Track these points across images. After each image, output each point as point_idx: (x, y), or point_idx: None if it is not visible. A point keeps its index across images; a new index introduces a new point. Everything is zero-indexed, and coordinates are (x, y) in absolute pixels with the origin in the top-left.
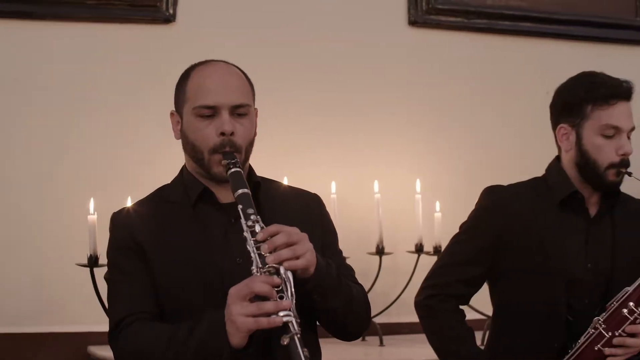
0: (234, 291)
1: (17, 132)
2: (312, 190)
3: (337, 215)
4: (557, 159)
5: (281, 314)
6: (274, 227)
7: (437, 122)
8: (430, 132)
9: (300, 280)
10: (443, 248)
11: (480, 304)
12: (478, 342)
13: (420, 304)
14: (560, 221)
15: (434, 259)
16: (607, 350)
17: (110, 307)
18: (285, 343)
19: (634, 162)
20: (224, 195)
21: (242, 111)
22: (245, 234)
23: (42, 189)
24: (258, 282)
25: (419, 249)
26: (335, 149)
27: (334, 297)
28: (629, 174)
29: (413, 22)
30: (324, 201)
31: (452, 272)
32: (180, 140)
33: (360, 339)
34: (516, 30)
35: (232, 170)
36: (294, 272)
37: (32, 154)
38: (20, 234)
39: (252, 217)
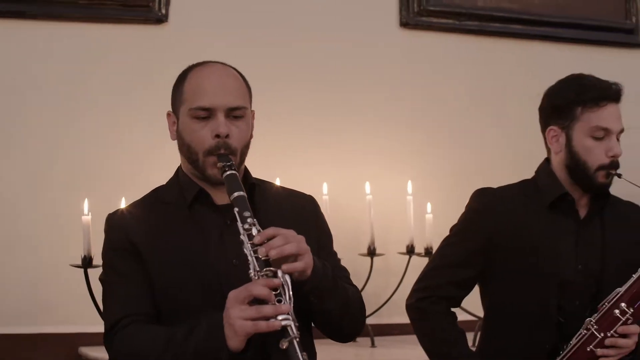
0: (232, 295)
1: (11, 132)
2: (304, 192)
3: (328, 216)
4: (547, 161)
5: (280, 317)
6: (270, 230)
7: (428, 123)
8: (422, 134)
9: (297, 282)
10: (434, 249)
11: (471, 305)
12: (469, 344)
13: (412, 306)
14: (550, 223)
15: (425, 260)
16: (599, 351)
17: (106, 308)
18: (284, 347)
19: (623, 164)
20: (220, 197)
21: (238, 113)
22: (242, 237)
23: (35, 189)
24: (257, 286)
25: (410, 251)
26: (327, 150)
27: (330, 299)
28: (619, 176)
29: (404, 24)
30: None
31: (443, 274)
32: (174, 141)
33: None
34: (507, 32)
35: (228, 172)
36: (290, 275)
37: (26, 154)
38: (13, 234)
39: (249, 220)
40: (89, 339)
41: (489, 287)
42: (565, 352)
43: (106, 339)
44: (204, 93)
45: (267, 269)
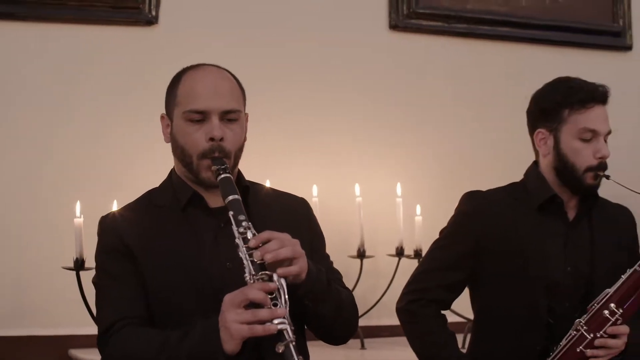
0: (228, 298)
1: (1, 133)
2: (294, 194)
3: (318, 218)
4: (535, 163)
5: (276, 321)
6: (266, 234)
7: (417, 125)
8: (411, 136)
9: (292, 286)
10: (423, 251)
11: (461, 307)
12: (458, 346)
13: (402, 309)
14: (539, 225)
15: (415, 262)
16: (588, 352)
17: (99, 311)
18: (280, 351)
19: (611, 166)
20: (213, 200)
21: (232, 116)
22: (237, 240)
23: (26, 191)
24: (253, 290)
25: (400, 253)
26: (317, 153)
27: (324, 303)
28: (607, 177)
29: (394, 26)
30: None
31: (433, 277)
32: (167, 143)
33: None
34: (495, 35)
35: (222, 176)
36: (285, 279)
37: (17, 156)
38: (3, 236)
39: (244, 223)
40: (79, 341)
41: (479, 290)
42: (555, 354)
43: (100, 342)
44: (198, 96)
45: (263, 272)
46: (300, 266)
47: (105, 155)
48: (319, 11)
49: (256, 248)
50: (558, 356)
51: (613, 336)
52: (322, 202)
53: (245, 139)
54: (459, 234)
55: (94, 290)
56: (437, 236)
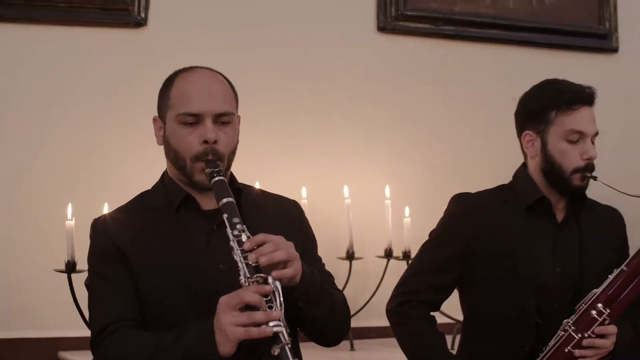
0: (224, 300)
1: None
2: (283, 196)
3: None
4: (524, 165)
5: (271, 324)
6: (260, 237)
7: (406, 127)
8: (400, 138)
9: (286, 289)
10: (412, 253)
11: (449, 308)
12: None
13: (392, 311)
14: (527, 227)
15: (403, 264)
16: (577, 352)
17: (92, 314)
18: (276, 353)
19: (597, 167)
20: (206, 202)
21: (225, 119)
22: (231, 243)
23: (16, 193)
24: (249, 292)
25: (389, 254)
26: (306, 154)
27: (317, 305)
28: (594, 178)
29: (382, 28)
30: None
31: (423, 279)
32: (157, 145)
33: None
34: (483, 37)
35: (216, 178)
36: (280, 281)
37: (6, 158)
38: None
39: (238, 226)
40: (69, 343)
41: (468, 291)
42: (543, 354)
43: (93, 345)
44: (192, 99)
45: (258, 275)
46: (295, 269)
47: (96, 157)
48: (307, 13)
49: (251, 251)
50: (547, 357)
51: (601, 336)
52: (311, 204)
53: (237, 142)
54: (448, 236)
55: (85, 293)
56: (425, 238)
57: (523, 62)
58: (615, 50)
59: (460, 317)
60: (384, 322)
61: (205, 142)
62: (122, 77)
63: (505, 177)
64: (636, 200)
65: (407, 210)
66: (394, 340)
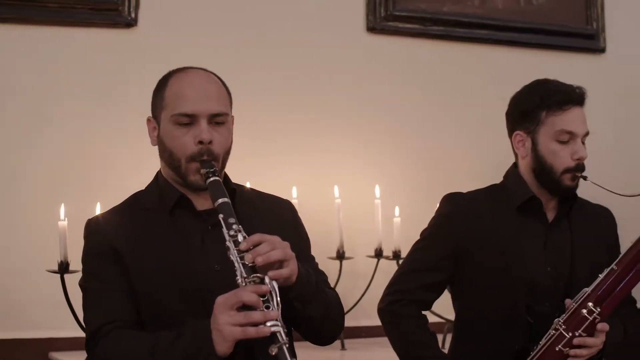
0: (221, 300)
1: None
2: (278, 196)
3: None
4: (515, 165)
5: (268, 323)
6: (256, 237)
7: (395, 127)
8: (389, 138)
9: (282, 288)
10: (402, 253)
11: (440, 308)
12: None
13: (383, 310)
14: (519, 226)
15: (394, 263)
16: (568, 351)
17: (87, 314)
18: (274, 353)
19: (588, 167)
20: (201, 203)
21: (220, 120)
22: (227, 243)
23: (8, 194)
24: (246, 292)
25: (379, 254)
26: (296, 154)
27: (312, 305)
28: (584, 178)
29: (371, 29)
30: None
31: (414, 278)
32: (149, 145)
33: None
34: (472, 38)
35: (211, 179)
36: (277, 281)
37: None
38: None
39: (234, 226)
40: (60, 343)
41: (460, 291)
42: (535, 353)
43: (88, 346)
44: (186, 99)
45: (255, 275)
46: (291, 269)
47: (88, 157)
48: (296, 14)
49: (247, 251)
50: (537, 355)
51: (591, 334)
52: (302, 204)
53: (232, 142)
54: (440, 235)
55: (78, 294)
56: (416, 237)
57: (511, 62)
58: (602, 50)
59: (451, 317)
60: (374, 322)
61: (200, 142)
62: (113, 78)
63: (496, 177)
64: (626, 199)
65: (397, 210)
66: (384, 340)
